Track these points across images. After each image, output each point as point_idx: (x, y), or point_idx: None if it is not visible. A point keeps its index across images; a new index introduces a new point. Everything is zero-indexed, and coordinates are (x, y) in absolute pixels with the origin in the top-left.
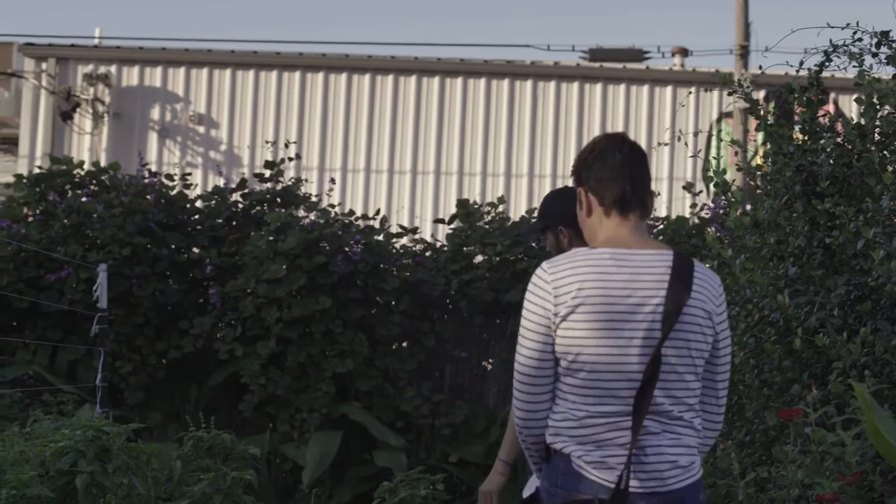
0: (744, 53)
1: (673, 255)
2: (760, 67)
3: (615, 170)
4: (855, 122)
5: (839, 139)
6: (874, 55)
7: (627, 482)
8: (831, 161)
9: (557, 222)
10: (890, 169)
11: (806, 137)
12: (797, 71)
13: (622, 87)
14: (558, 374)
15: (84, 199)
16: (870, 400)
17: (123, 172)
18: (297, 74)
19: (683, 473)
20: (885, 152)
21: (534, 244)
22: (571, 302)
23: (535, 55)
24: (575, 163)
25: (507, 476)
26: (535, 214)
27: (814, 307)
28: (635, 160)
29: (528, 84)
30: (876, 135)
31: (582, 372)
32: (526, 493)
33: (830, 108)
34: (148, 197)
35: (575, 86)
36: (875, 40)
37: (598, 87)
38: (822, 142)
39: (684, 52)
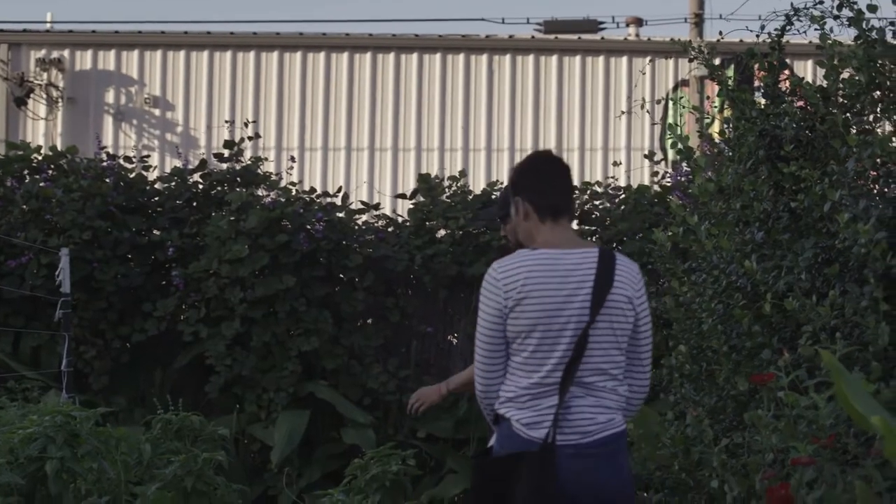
0: (698, 22)
1: (598, 252)
2: (720, 33)
3: (549, 182)
4: (817, 85)
5: (801, 103)
6: (836, 17)
7: (554, 437)
8: (795, 125)
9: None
10: (854, 131)
11: (768, 102)
12: (757, 36)
13: (577, 58)
14: (509, 353)
15: (42, 183)
16: (837, 366)
17: (81, 156)
18: (252, 54)
19: (603, 428)
20: (848, 115)
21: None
22: (517, 296)
23: (489, 28)
24: (513, 175)
25: (442, 398)
26: (497, 205)
27: (781, 271)
28: (564, 174)
29: (484, 58)
30: (839, 97)
31: (526, 351)
32: (490, 443)
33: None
34: (107, 180)
35: (530, 58)
36: (836, 2)
37: (554, 59)
38: (785, 106)
39: (639, 22)
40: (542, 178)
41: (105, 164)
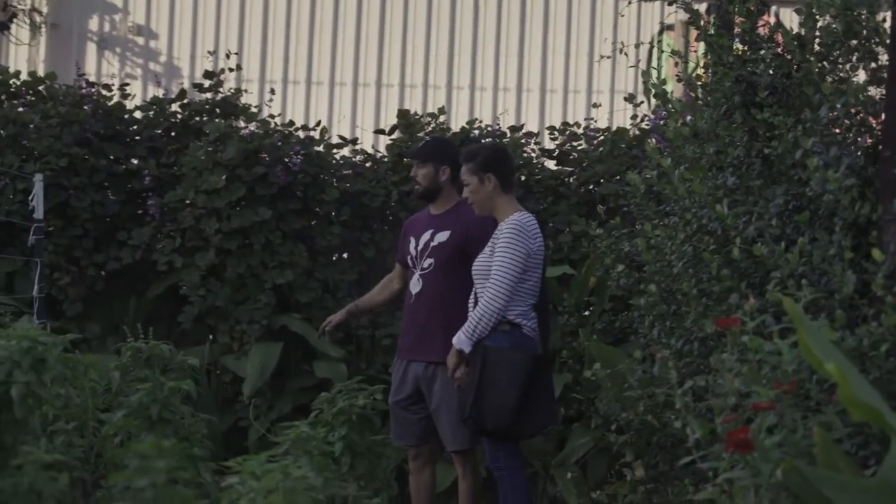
0: None
1: None
2: None
3: (510, 166)
4: (794, 32)
5: (779, 49)
6: None
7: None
8: (770, 71)
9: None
10: (829, 79)
11: (745, 48)
12: None
13: None
14: (522, 280)
15: (20, 109)
16: (799, 313)
17: (61, 83)
18: None
19: None
20: (824, 62)
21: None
22: (539, 241)
23: None
24: (486, 158)
25: (350, 315)
26: (426, 147)
27: (752, 217)
28: (514, 161)
29: None
30: (815, 45)
31: (531, 280)
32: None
33: (771, 19)
34: (85, 107)
35: None
36: None
37: None
38: (762, 52)
39: None
40: (507, 163)
41: (84, 91)
